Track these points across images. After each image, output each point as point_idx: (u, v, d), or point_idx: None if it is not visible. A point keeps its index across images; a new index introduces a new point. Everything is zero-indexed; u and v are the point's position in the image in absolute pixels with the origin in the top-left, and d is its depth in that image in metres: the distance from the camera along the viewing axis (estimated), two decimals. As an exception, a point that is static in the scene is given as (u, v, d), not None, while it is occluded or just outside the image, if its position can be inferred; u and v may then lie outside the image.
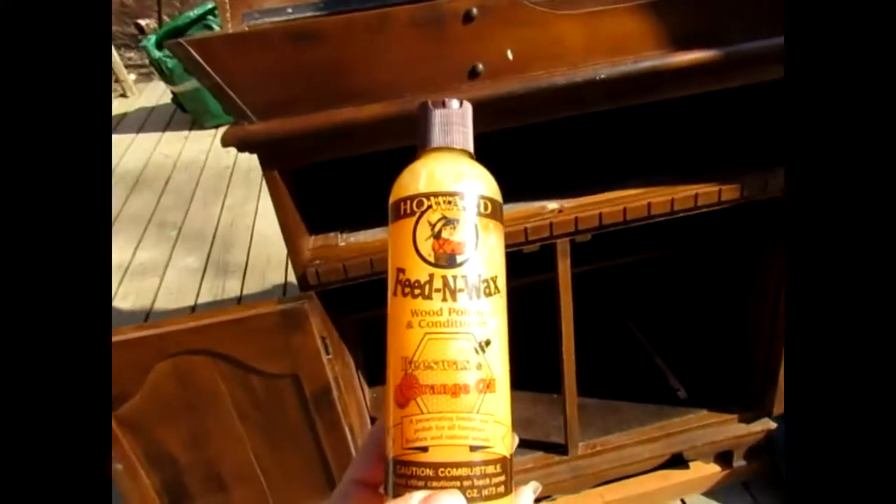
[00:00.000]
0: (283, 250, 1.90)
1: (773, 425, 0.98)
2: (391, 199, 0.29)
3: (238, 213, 2.10)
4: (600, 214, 0.76)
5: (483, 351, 0.27)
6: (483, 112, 0.65)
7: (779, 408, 0.96)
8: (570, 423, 0.94)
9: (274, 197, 0.69)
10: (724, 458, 1.02)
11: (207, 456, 0.84)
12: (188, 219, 2.10)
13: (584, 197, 0.77)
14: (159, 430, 0.80)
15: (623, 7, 0.62)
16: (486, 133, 0.69)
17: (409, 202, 0.28)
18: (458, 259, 0.27)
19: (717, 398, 1.02)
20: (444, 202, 0.28)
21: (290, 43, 0.59)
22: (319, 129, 0.63)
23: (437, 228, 0.27)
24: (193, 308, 1.65)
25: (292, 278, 1.76)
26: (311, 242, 0.78)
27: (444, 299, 0.27)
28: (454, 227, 0.27)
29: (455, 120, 0.29)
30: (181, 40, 0.58)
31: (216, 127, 2.72)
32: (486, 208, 0.28)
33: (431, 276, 0.27)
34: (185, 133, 2.75)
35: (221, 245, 1.94)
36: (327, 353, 0.78)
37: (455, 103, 0.29)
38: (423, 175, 0.28)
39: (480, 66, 0.63)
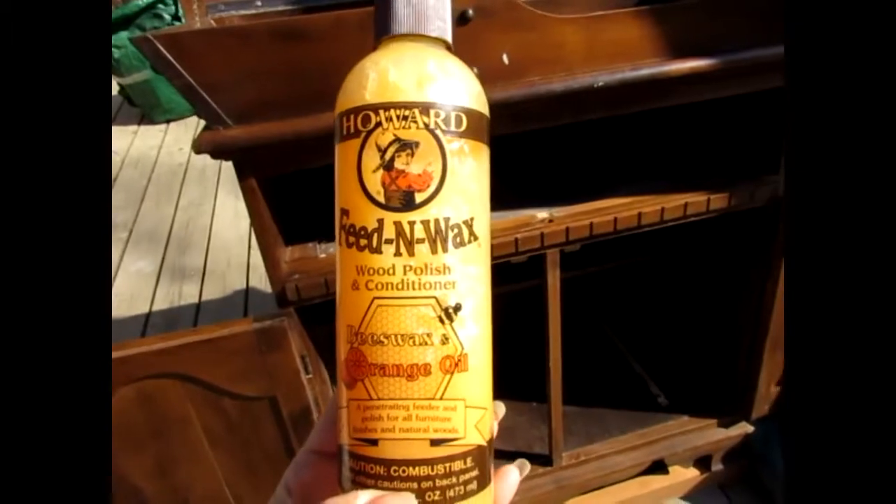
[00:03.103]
0: (244, 252, 1.82)
1: (751, 429, 0.99)
2: (335, 112, 0.22)
3: (194, 213, 1.99)
4: (591, 224, 0.74)
5: (450, 320, 0.21)
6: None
7: (757, 412, 0.97)
8: (554, 433, 0.92)
9: (250, 207, 0.64)
10: (702, 462, 1.03)
11: (175, 484, 0.78)
12: (139, 220, 1.99)
13: (574, 206, 0.75)
14: (120, 460, 0.73)
15: (623, 13, 0.60)
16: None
17: (352, 117, 0.21)
18: (417, 198, 0.20)
19: (697, 404, 1.03)
20: (399, 118, 0.20)
21: (272, 41, 0.54)
22: (302, 134, 0.59)
23: (388, 155, 0.20)
24: (148, 316, 1.56)
25: (254, 282, 1.68)
26: (288, 254, 0.73)
27: (398, 253, 0.20)
28: (412, 154, 0.20)
29: None
30: (149, 35, 0.52)
31: (167, 122, 2.58)
32: (459, 124, 0.21)
33: (381, 221, 0.20)
34: (134, 128, 2.60)
35: (177, 247, 1.84)
36: (307, 372, 0.73)
37: None
38: (373, 77, 0.21)
39: (475, 70, 0.60)
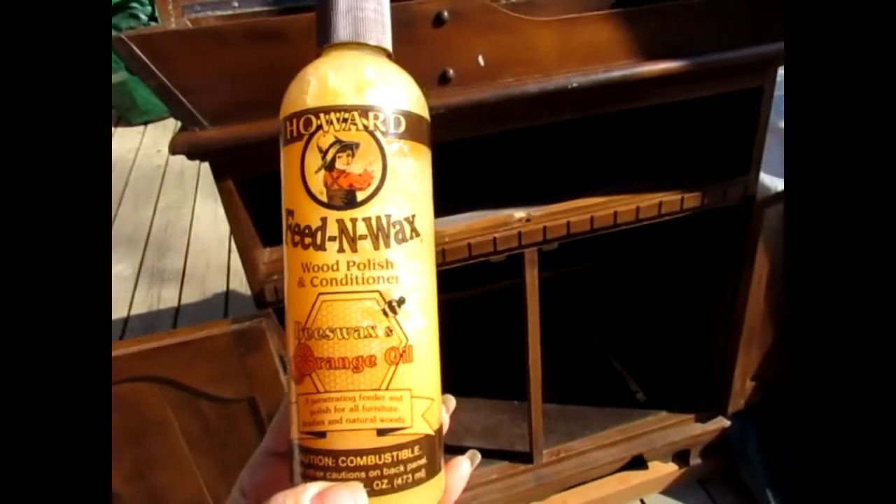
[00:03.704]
0: (224, 255, 1.80)
1: (728, 423, 1.01)
2: (280, 117, 0.23)
3: (173, 216, 1.97)
4: (568, 223, 0.75)
5: (394, 312, 0.21)
6: (453, 119, 0.63)
7: (733, 406, 0.99)
8: (535, 431, 0.93)
9: (228, 208, 0.64)
10: (681, 457, 1.04)
11: (153, 487, 0.77)
12: (117, 223, 1.96)
13: (550, 205, 0.76)
14: (97, 464, 0.72)
15: (596, 15, 0.61)
16: (456, 141, 0.67)
17: (295, 121, 0.22)
18: (359, 197, 0.21)
19: (675, 399, 1.04)
20: (339, 120, 0.21)
21: (248, 42, 0.54)
22: (279, 134, 0.59)
23: (329, 156, 0.21)
24: (126, 321, 1.54)
25: (235, 285, 1.67)
26: (266, 255, 0.73)
27: (342, 250, 0.21)
28: (352, 154, 0.21)
29: (363, 5, 0.23)
30: (122, 35, 0.52)
31: (144, 123, 2.55)
32: (398, 126, 0.22)
33: (324, 220, 0.21)
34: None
35: (155, 251, 1.82)
36: (286, 372, 0.73)
37: None
38: (314, 84, 0.22)
39: (451, 72, 0.61)
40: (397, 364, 0.22)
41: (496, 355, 1.13)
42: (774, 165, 0.84)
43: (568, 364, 1.13)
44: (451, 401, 0.26)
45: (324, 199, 0.21)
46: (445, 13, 0.57)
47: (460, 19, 0.58)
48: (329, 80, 0.22)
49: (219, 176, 0.61)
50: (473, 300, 1.21)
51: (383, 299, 0.21)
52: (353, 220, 0.21)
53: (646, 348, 1.15)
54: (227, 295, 1.62)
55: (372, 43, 0.23)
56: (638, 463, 1.02)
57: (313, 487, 0.21)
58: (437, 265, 0.78)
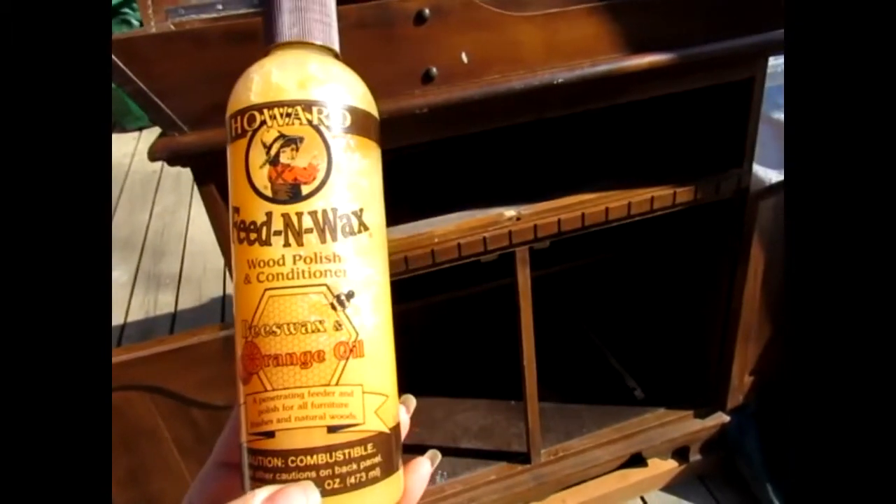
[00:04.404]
0: (220, 259, 1.79)
1: (727, 419, 1.00)
2: (226, 116, 0.23)
3: (168, 220, 1.97)
4: (559, 221, 0.74)
5: (342, 306, 0.21)
6: (438, 118, 0.62)
7: (732, 402, 0.99)
8: (531, 431, 0.92)
9: (211, 213, 0.63)
10: (680, 453, 1.04)
11: (147, 494, 0.76)
12: (113, 228, 1.96)
13: (541, 203, 0.75)
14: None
15: (580, 9, 0.60)
16: (442, 139, 0.66)
17: (239, 118, 0.22)
18: (304, 190, 0.21)
19: (673, 395, 1.03)
20: (282, 115, 0.21)
21: (227, 44, 0.53)
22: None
23: (273, 151, 0.21)
24: (123, 326, 1.53)
25: (231, 289, 1.66)
26: (254, 260, 0.72)
27: (287, 244, 0.21)
28: (296, 148, 0.21)
29: (308, 5, 0.23)
30: (97, 42, 0.51)
31: (139, 129, 2.55)
32: (344, 121, 0.22)
33: (269, 214, 0.21)
34: (106, 135, 2.56)
35: (151, 256, 1.81)
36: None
37: None
38: (257, 80, 0.22)
39: (434, 70, 0.60)
40: (347, 359, 0.21)
41: (491, 355, 1.12)
42: (768, 157, 0.83)
43: (564, 362, 1.12)
44: (411, 400, 0.26)
45: (268, 193, 0.21)
46: (427, 10, 0.57)
47: (442, 16, 0.57)
48: (272, 77, 0.22)
49: (200, 181, 0.61)
50: (468, 300, 1.20)
51: (331, 293, 0.21)
52: (299, 214, 0.21)
53: (643, 345, 1.14)
54: (224, 299, 1.61)
55: (318, 42, 0.23)
56: (637, 460, 1.02)
57: (262, 493, 0.20)
58: (427, 266, 0.77)
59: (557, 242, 0.78)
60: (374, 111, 0.24)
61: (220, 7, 0.78)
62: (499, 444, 1.00)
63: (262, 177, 0.21)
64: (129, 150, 2.44)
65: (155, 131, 0.57)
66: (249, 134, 0.21)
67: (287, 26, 0.23)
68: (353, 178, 0.22)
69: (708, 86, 0.70)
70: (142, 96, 0.54)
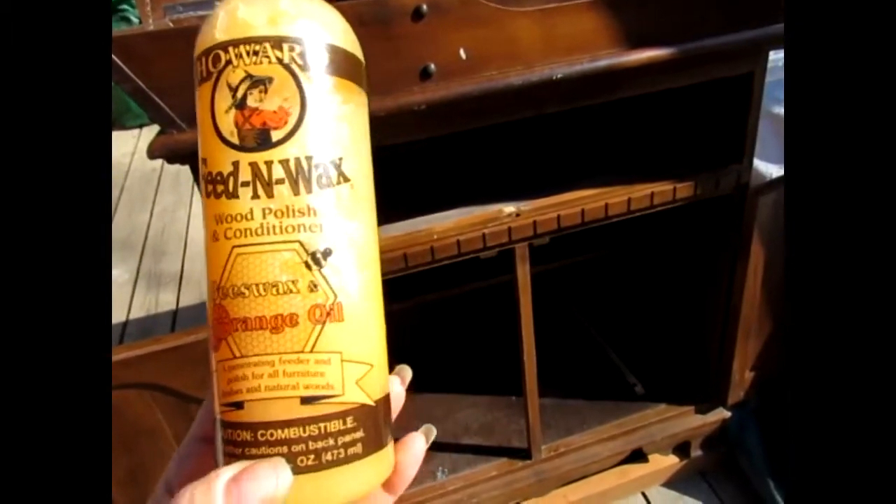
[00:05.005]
0: (221, 258, 1.81)
1: (728, 415, 1.00)
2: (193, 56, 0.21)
3: (169, 219, 1.97)
4: (559, 217, 0.74)
5: (318, 265, 0.19)
6: (437, 115, 0.62)
7: (732, 398, 0.98)
8: (532, 427, 0.92)
9: (211, 211, 0.63)
10: (681, 449, 1.04)
11: (147, 493, 0.77)
12: (114, 228, 1.96)
13: (540, 199, 0.75)
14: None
15: (578, 4, 0.60)
16: (441, 136, 0.66)
17: (204, 59, 0.20)
18: (274, 137, 0.19)
19: (673, 391, 1.03)
20: (249, 53, 0.19)
21: (222, 43, 0.53)
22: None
23: (240, 94, 0.19)
24: (125, 325, 1.53)
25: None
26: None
27: (256, 196, 0.19)
28: (265, 90, 0.19)
29: None
30: (94, 40, 0.51)
31: (139, 127, 2.55)
32: (320, 60, 0.20)
33: (236, 164, 0.19)
34: (106, 134, 2.56)
35: (152, 255, 1.81)
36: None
37: None
38: (223, 17, 0.20)
39: (432, 67, 0.60)
40: (324, 323, 0.19)
41: (491, 352, 1.12)
42: (768, 152, 0.83)
43: (565, 359, 1.12)
44: (407, 371, 0.24)
45: (235, 140, 0.19)
46: (424, 7, 0.56)
47: (440, 13, 0.57)
48: (239, 12, 0.20)
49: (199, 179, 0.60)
50: (467, 297, 1.20)
51: (305, 251, 0.19)
52: (269, 163, 0.19)
53: (643, 341, 1.14)
54: (225, 297, 1.61)
55: None
56: (638, 456, 1.02)
57: (227, 472, 0.18)
58: (426, 263, 0.77)
59: (557, 238, 0.78)
60: (358, 52, 0.22)
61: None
62: (499, 440, 1.00)
63: (227, 122, 0.19)
64: (129, 148, 2.44)
65: (155, 129, 0.57)
66: (215, 76, 0.19)
67: None
68: (331, 124, 0.20)
69: (708, 80, 0.70)
70: (140, 94, 0.54)
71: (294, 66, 0.19)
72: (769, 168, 0.82)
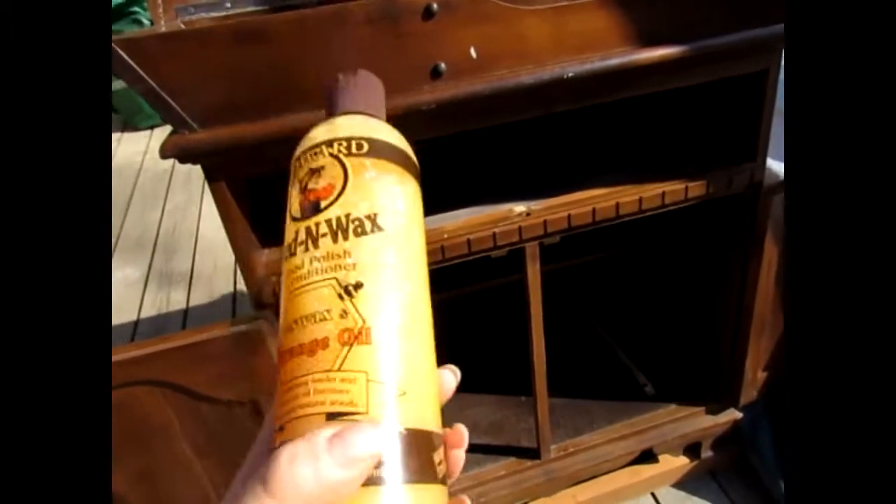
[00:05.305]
0: (230, 255, 1.81)
1: (739, 415, 0.99)
2: None
3: (180, 217, 1.98)
4: (569, 216, 0.74)
5: (349, 295, 0.22)
6: (447, 113, 0.62)
7: (745, 398, 0.98)
8: (541, 426, 0.92)
9: (222, 210, 0.63)
10: (692, 449, 1.03)
11: (159, 491, 0.77)
12: (126, 226, 1.98)
13: (551, 198, 0.75)
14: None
15: (589, 2, 0.59)
16: (451, 135, 0.66)
17: (290, 171, 0.26)
18: (322, 204, 0.23)
19: (684, 392, 1.03)
20: (311, 156, 0.25)
21: (234, 43, 0.53)
22: (269, 135, 0.58)
23: (304, 183, 0.24)
24: (136, 323, 1.55)
25: (242, 286, 1.67)
26: (264, 256, 0.72)
27: (307, 250, 0.23)
28: (319, 175, 0.24)
29: (351, 88, 0.27)
30: (107, 41, 0.51)
31: (151, 128, 2.57)
32: (360, 148, 0.24)
33: (297, 231, 0.24)
34: (118, 135, 2.58)
35: (163, 253, 1.83)
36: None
37: (352, 75, 0.28)
38: (302, 140, 0.26)
39: (443, 66, 0.59)
40: (351, 345, 0.21)
41: (501, 351, 1.12)
42: (782, 151, 0.82)
43: (575, 358, 1.12)
44: (463, 432, 0.26)
45: (297, 215, 0.24)
46: (435, 5, 0.56)
47: (450, 11, 0.57)
48: (310, 133, 0.26)
49: (211, 178, 0.61)
50: (478, 296, 1.20)
51: (339, 284, 0.22)
52: (317, 224, 0.23)
53: (654, 341, 1.13)
54: (235, 295, 1.62)
55: (355, 110, 0.27)
56: (648, 456, 1.01)
57: (328, 429, 0.19)
58: (437, 262, 0.77)
59: (568, 237, 0.77)
60: (398, 142, 0.26)
61: (228, 5, 0.78)
62: (508, 439, 0.99)
63: (295, 205, 0.24)
64: (141, 148, 2.46)
65: (166, 129, 0.57)
66: (291, 178, 0.25)
67: (334, 106, 0.27)
68: (367, 190, 0.24)
69: (721, 78, 0.70)
70: (152, 95, 0.54)
71: (340, 154, 0.24)
72: (782, 167, 0.81)
